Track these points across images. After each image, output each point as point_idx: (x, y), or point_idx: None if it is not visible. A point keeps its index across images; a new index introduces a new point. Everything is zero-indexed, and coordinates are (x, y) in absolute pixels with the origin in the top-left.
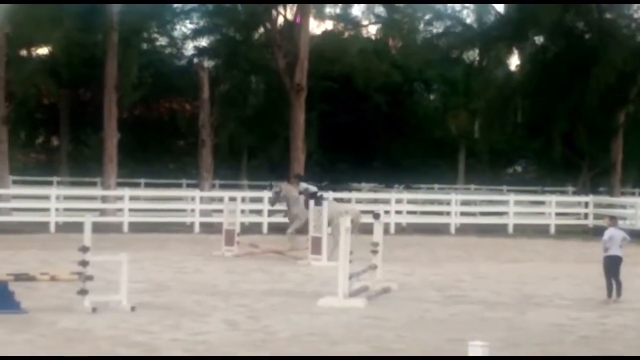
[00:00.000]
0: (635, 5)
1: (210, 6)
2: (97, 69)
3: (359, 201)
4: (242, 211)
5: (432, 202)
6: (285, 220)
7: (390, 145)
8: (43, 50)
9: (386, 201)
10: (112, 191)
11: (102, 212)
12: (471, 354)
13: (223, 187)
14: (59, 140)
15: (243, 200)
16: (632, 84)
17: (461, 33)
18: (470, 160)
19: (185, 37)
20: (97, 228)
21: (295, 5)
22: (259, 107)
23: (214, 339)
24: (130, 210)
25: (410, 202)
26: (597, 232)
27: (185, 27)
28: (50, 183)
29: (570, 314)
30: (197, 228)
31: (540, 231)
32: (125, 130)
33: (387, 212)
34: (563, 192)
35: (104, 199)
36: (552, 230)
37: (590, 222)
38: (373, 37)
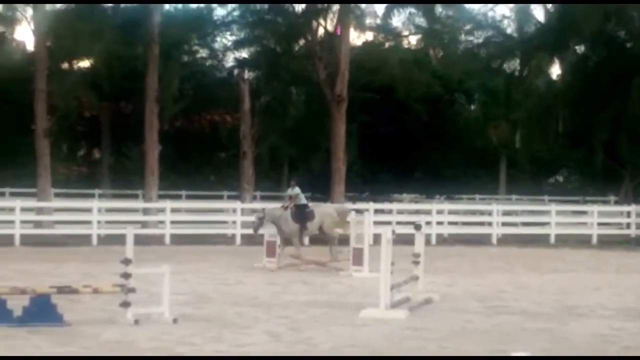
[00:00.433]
0: None
1: (250, 18)
2: (138, 81)
3: (400, 212)
4: None
5: (473, 212)
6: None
7: (431, 155)
8: (84, 63)
9: (427, 212)
10: (154, 203)
11: (144, 224)
12: None
13: (264, 198)
14: (101, 152)
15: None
16: None
17: (502, 43)
18: (512, 170)
19: (226, 49)
20: (139, 240)
21: (336, 16)
22: (300, 118)
23: (256, 351)
24: (172, 222)
25: (451, 212)
26: (639, 242)
27: (225, 38)
28: (92, 196)
29: (613, 324)
30: (238, 240)
31: (582, 241)
32: (167, 143)
33: (428, 223)
34: (605, 202)
35: (146, 211)
36: (594, 240)
37: (633, 231)
38: (413, 48)
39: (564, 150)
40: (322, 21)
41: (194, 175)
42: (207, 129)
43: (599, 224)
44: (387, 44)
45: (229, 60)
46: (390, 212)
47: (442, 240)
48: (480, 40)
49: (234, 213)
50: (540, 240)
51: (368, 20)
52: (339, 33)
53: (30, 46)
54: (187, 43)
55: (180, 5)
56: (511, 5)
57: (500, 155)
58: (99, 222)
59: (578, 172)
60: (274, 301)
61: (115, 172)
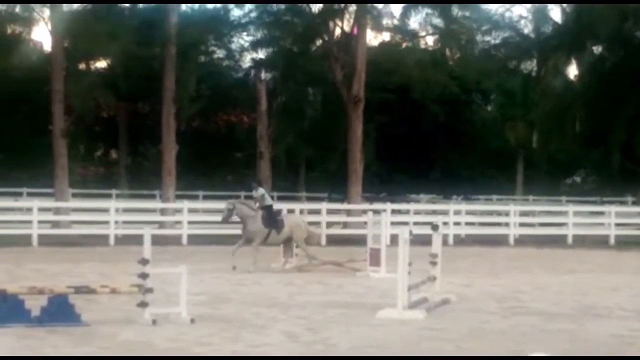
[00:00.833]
0: None
1: (267, 18)
2: (155, 82)
3: (417, 212)
4: None
5: (490, 213)
6: (343, 232)
7: (448, 156)
8: (101, 64)
9: (444, 212)
10: (171, 204)
11: (161, 224)
12: None
13: (281, 199)
14: (118, 153)
15: (301, 212)
16: None
17: (519, 43)
18: (529, 170)
19: (243, 50)
20: (157, 240)
21: (353, 16)
22: (317, 118)
23: (273, 351)
24: (189, 222)
25: (468, 213)
26: None
27: (242, 39)
28: (109, 196)
29: (631, 325)
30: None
31: (600, 242)
32: (184, 143)
33: (445, 223)
34: (622, 202)
35: (163, 211)
36: (612, 241)
37: None
38: (430, 48)
39: (581, 151)
40: (338, 21)
41: (211, 176)
42: (224, 130)
43: (617, 225)
44: (403, 45)
45: (246, 61)
46: (407, 212)
47: (460, 240)
48: (497, 41)
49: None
50: (557, 241)
51: (385, 21)
52: (355, 33)
53: (47, 46)
54: (204, 43)
55: (197, 6)
56: (528, 6)
57: (517, 156)
58: (116, 222)
59: (595, 173)
60: (291, 302)
61: (132, 172)
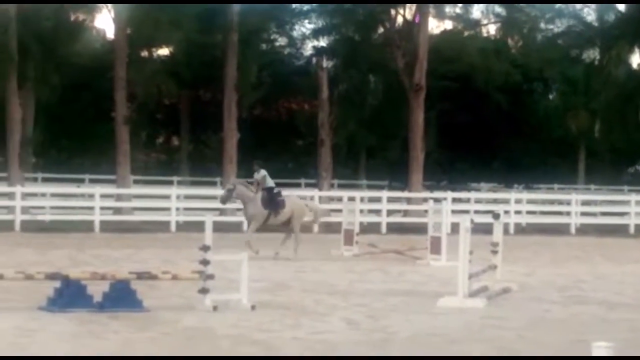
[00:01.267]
0: None
1: (329, 6)
2: (217, 69)
3: (478, 201)
4: (361, 211)
5: (552, 202)
6: (403, 220)
7: (509, 144)
8: (164, 51)
9: (506, 201)
10: None
11: (222, 211)
12: (595, 354)
13: (342, 186)
14: (179, 140)
15: (362, 200)
16: None
17: (581, 32)
18: (591, 159)
19: (304, 37)
20: (218, 227)
21: (414, 5)
22: (378, 106)
23: (334, 338)
24: None
25: (530, 202)
26: None
27: (304, 27)
28: (170, 183)
29: None
30: (315, 227)
31: None
32: (245, 130)
33: (506, 212)
34: None
35: None
36: None
37: None
38: (492, 37)
39: None
40: (400, 9)
41: (271, 163)
42: (285, 117)
43: None
44: (465, 33)
45: (307, 49)
46: (468, 201)
47: (521, 229)
48: (560, 29)
49: (311, 201)
50: (619, 230)
51: (447, 9)
52: (417, 21)
53: (110, 34)
54: (266, 31)
55: None
56: None
57: (579, 145)
58: (177, 209)
59: None
60: (351, 289)
61: (193, 159)
